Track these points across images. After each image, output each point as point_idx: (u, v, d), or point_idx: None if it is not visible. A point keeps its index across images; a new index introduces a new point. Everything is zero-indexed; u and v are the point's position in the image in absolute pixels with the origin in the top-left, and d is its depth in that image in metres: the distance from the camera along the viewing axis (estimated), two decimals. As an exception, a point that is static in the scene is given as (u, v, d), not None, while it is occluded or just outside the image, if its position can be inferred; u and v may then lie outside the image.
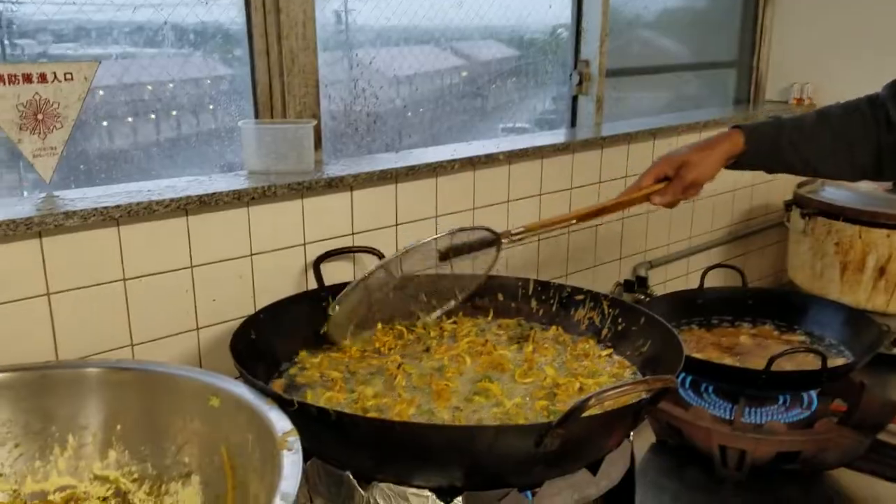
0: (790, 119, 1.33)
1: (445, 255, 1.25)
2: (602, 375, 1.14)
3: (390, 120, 1.71)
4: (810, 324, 1.64)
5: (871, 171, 1.26)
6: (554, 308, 1.34)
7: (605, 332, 1.28)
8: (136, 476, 1.01)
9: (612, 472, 1.03)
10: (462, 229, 1.25)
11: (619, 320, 1.26)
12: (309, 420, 0.90)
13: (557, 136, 1.87)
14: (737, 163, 1.31)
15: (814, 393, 1.48)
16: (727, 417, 1.42)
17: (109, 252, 1.17)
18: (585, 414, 0.84)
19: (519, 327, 1.31)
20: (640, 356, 1.19)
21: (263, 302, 1.33)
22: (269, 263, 1.35)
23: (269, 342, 1.19)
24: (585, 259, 1.90)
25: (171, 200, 1.19)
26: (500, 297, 1.37)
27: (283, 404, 0.91)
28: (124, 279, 1.19)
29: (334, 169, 1.44)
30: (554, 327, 1.31)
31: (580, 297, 1.32)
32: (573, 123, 2.07)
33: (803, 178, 2.25)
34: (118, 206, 1.14)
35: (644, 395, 0.90)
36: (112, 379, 1.02)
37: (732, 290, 1.74)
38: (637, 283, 1.91)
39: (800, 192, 2.04)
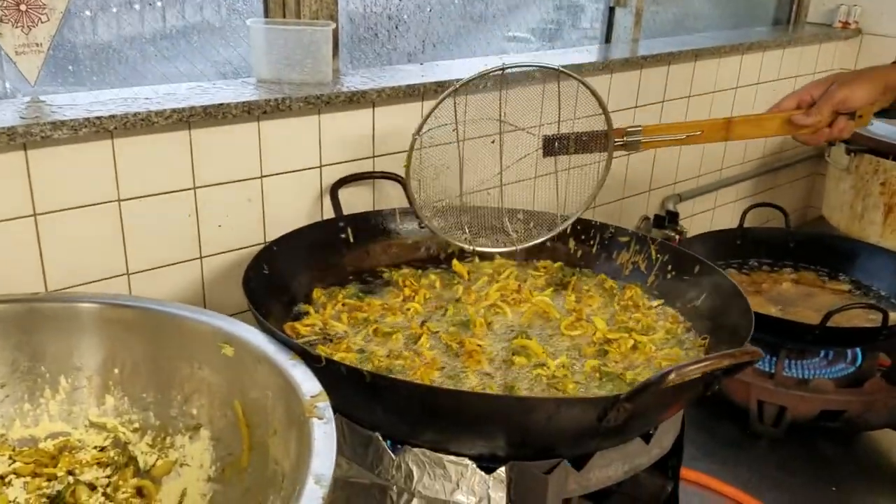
0: None
1: (551, 146, 1.13)
2: (657, 331, 1.03)
3: (413, 26, 1.54)
4: (857, 272, 1.53)
5: None
6: (594, 250, 1.22)
7: (651, 279, 1.16)
8: (136, 425, 0.90)
9: (663, 439, 0.94)
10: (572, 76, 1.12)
11: (669, 268, 1.14)
12: (337, 378, 0.79)
13: (592, 54, 1.70)
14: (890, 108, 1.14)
15: (859, 348, 1.39)
16: (767, 370, 1.33)
17: (103, 169, 1.03)
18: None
19: (560, 272, 1.19)
20: (695, 310, 1.08)
21: (274, 230, 1.20)
22: (282, 187, 1.21)
23: (286, 277, 1.07)
24: (614, 190, 1.77)
25: (173, 111, 1.04)
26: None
27: (309, 360, 0.79)
28: (119, 200, 1.05)
29: (354, 81, 1.29)
30: (602, 275, 1.18)
31: (625, 238, 1.19)
32: (608, 39, 1.90)
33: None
34: (113, 117, 0.99)
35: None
36: (110, 316, 0.90)
37: (774, 232, 1.62)
38: (668, 219, 1.79)
39: (845, 126, 1.89)
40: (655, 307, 1.10)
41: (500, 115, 1.17)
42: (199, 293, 1.17)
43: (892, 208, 1.76)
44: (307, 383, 0.75)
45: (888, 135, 1.79)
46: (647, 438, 0.89)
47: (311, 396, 0.73)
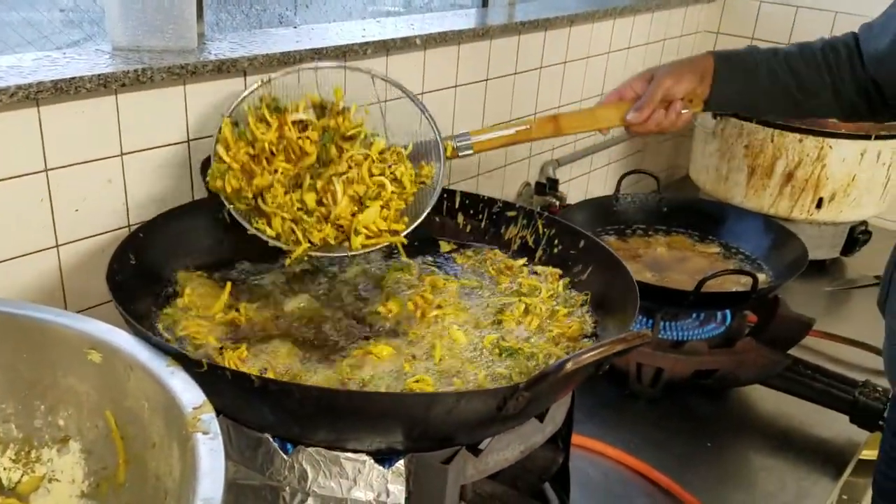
0: (767, 49, 1.16)
1: None
2: (541, 291, 1.04)
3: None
4: (725, 234, 1.61)
5: (863, 109, 1.12)
6: (483, 224, 1.21)
7: (539, 253, 1.16)
8: (-4, 440, 0.81)
9: (556, 415, 0.95)
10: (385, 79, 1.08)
11: (556, 241, 1.15)
12: (222, 385, 0.74)
13: (470, 19, 1.67)
14: (711, 94, 1.14)
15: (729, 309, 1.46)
16: (645, 334, 1.37)
17: (-66, 153, 0.90)
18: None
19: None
20: (581, 283, 1.09)
21: (139, 213, 1.11)
22: (145, 164, 1.11)
23: (156, 267, 0.99)
24: (497, 158, 1.77)
25: (18, 88, 0.92)
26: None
27: (189, 365, 0.73)
28: (-43, 187, 0.93)
29: (222, 47, 1.19)
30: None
31: (512, 213, 1.19)
32: (484, 3, 1.87)
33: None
34: (-56, 95, 0.87)
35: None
36: (-46, 322, 0.80)
37: (647, 198, 1.67)
38: (548, 185, 1.81)
39: (710, 91, 1.97)
40: (520, 265, 1.12)
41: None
42: (57, 285, 1.06)
43: (754, 170, 1.85)
44: (188, 393, 0.70)
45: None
46: (541, 417, 0.90)
47: (194, 408, 0.68)
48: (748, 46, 1.18)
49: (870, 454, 1.60)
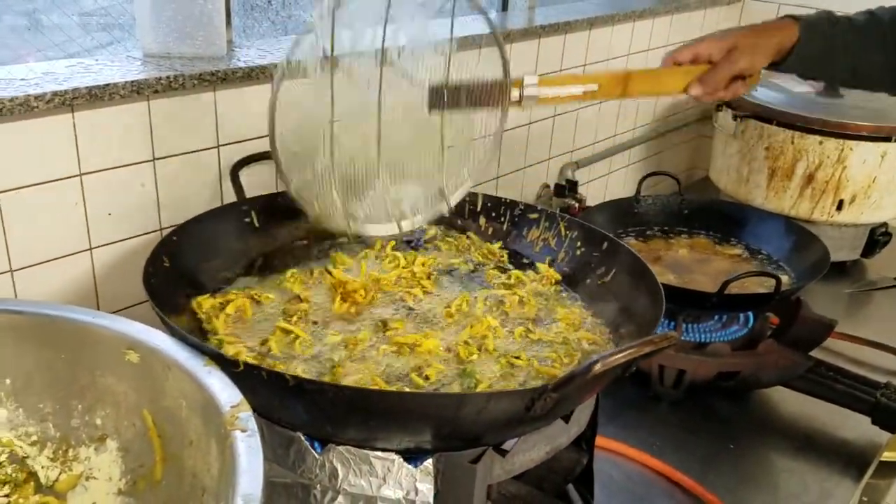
0: (843, 17, 1.16)
1: (438, 98, 0.96)
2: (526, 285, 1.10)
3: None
4: (747, 236, 1.61)
5: None
6: (505, 227, 1.22)
7: (561, 255, 1.18)
8: (35, 438, 0.83)
9: (581, 417, 0.96)
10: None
11: (578, 244, 1.16)
12: (256, 383, 0.75)
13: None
14: (783, 60, 1.13)
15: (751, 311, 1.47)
16: (668, 336, 1.38)
17: (-24, 159, 0.93)
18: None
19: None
20: (605, 286, 1.10)
21: (170, 215, 1.13)
22: (177, 169, 1.14)
23: (188, 269, 1.01)
24: (515, 159, 1.78)
25: (54, 94, 0.95)
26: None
27: (225, 365, 0.75)
28: (-4, 191, 0.96)
29: (251, 54, 1.22)
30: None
31: (534, 215, 1.20)
32: (504, 7, 1.88)
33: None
34: (-15, 102, 0.90)
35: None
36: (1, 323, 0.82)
37: (668, 200, 1.68)
38: (567, 187, 1.82)
39: (730, 93, 1.97)
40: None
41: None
42: (90, 287, 1.09)
43: (775, 172, 1.85)
44: (226, 392, 0.72)
45: (772, 101, 1.88)
46: (566, 418, 0.91)
47: (232, 406, 0.70)
48: (827, 13, 1.16)
49: (891, 455, 1.60)
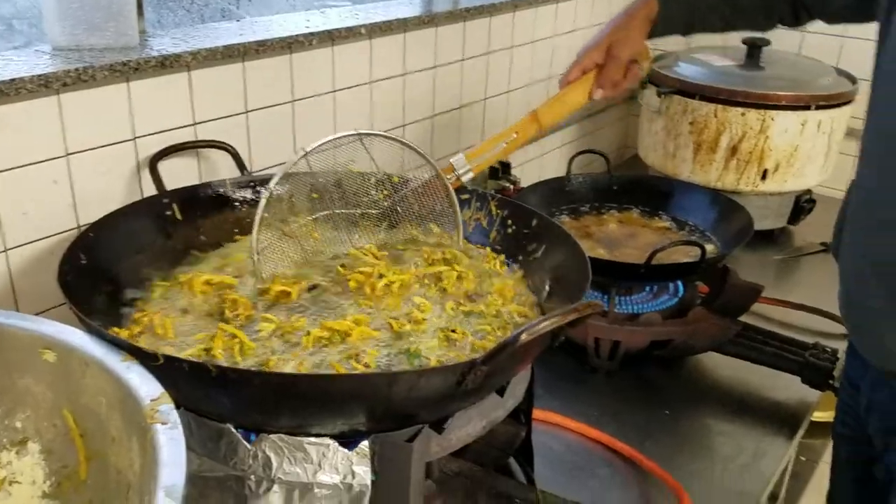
0: None
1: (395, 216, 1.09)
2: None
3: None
4: (674, 209, 1.64)
5: (788, 17, 1.21)
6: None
7: (493, 234, 1.18)
8: (-50, 447, 0.80)
9: (516, 390, 0.96)
10: (379, 135, 1.05)
11: (510, 222, 1.16)
12: (180, 377, 0.74)
13: (415, 7, 1.68)
14: (653, 29, 1.19)
15: (680, 280, 1.50)
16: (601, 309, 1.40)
17: None
18: (508, 346, 0.75)
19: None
20: (536, 262, 1.11)
21: (89, 213, 1.09)
22: (92, 165, 1.10)
23: (107, 265, 0.98)
24: (448, 144, 1.78)
25: (-46, 90, 0.91)
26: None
27: (145, 359, 0.73)
28: None
29: (165, 43, 1.18)
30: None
31: (465, 196, 1.20)
32: (429, -10, 1.87)
33: (655, 53, 2.24)
34: None
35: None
36: None
37: (598, 177, 1.70)
38: (501, 170, 1.82)
39: (654, 68, 2.01)
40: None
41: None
42: (7, 289, 1.05)
43: (700, 145, 1.89)
44: (145, 385, 0.70)
45: (694, 75, 1.92)
46: (501, 392, 0.92)
47: (152, 400, 0.68)
48: None
49: (823, 416, 1.66)
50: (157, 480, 0.59)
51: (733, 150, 1.86)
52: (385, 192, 1.11)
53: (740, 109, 1.82)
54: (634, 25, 1.17)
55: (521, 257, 1.13)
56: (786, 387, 1.38)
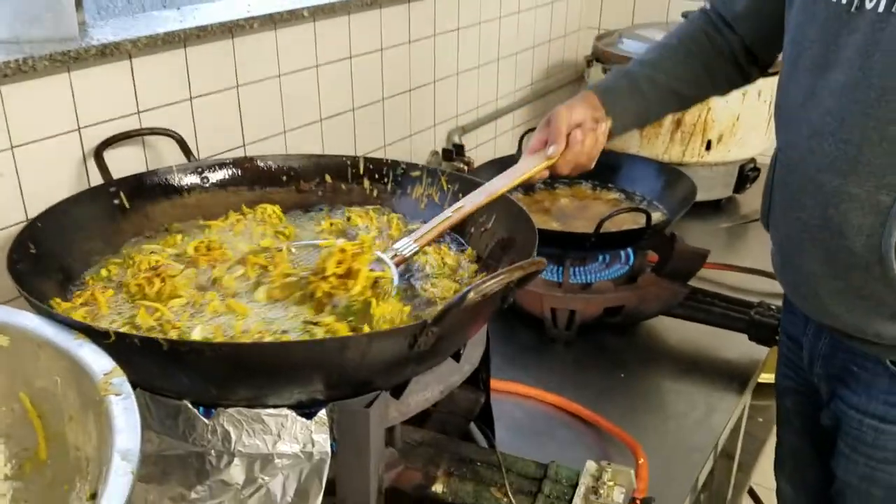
0: (635, 63, 1.21)
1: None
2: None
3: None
4: (622, 181, 1.68)
5: (737, 79, 1.20)
6: (389, 188, 1.23)
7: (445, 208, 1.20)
8: None
9: (472, 355, 0.99)
10: None
11: (460, 196, 1.18)
12: (132, 353, 0.74)
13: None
14: (610, 133, 1.17)
15: (630, 249, 1.54)
16: (556, 280, 1.43)
17: None
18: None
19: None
20: (487, 232, 1.13)
21: (37, 204, 1.09)
22: (37, 156, 1.10)
23: (57, 254, 0.97)
24: (401, 127, 1.79)
25: None
26: (329, 178, 1.22)
27: (96, 336, 0.74)
28: None
29: (104, 33, 1.18)
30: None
31: (416, 173, 1.22)
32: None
33: (600, 31, 2.28)
34: None
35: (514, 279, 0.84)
36: None
37: (548, 152, 1.72)
38: (455, 151, 1.85)
39: (599, 46, 2.05)
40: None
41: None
42: (-44, 286, 1.04)
43: (646, 120, 1.94)
44: (98, 362, 0.70)
45: (638, 52, 1.95)
46: (457, 357, 0.94)
47: (105, 374, 0.69)
48: (616, 70, 1.21)
49: (769, 377, 1.71)
50: (112, 447, 0.60)
51: (678, 123, 1.91)
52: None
53: (682, 83, 1.86)
54: (575, 103, 1.14)
55: (472, 230, 1.15)
56: (735, 346, 1.43)
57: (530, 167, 1.12)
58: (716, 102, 1.87)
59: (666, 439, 1.21)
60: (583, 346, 1.44)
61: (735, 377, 1.37)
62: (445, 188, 1.20)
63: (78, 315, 0.89)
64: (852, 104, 0.90)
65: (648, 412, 1.28)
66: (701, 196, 1.97)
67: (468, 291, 0.75)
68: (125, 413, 0.63)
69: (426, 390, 0.90)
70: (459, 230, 1.14)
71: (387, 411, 0.86)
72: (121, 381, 0.67)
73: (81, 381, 0.71)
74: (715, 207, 2.04)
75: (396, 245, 1.01)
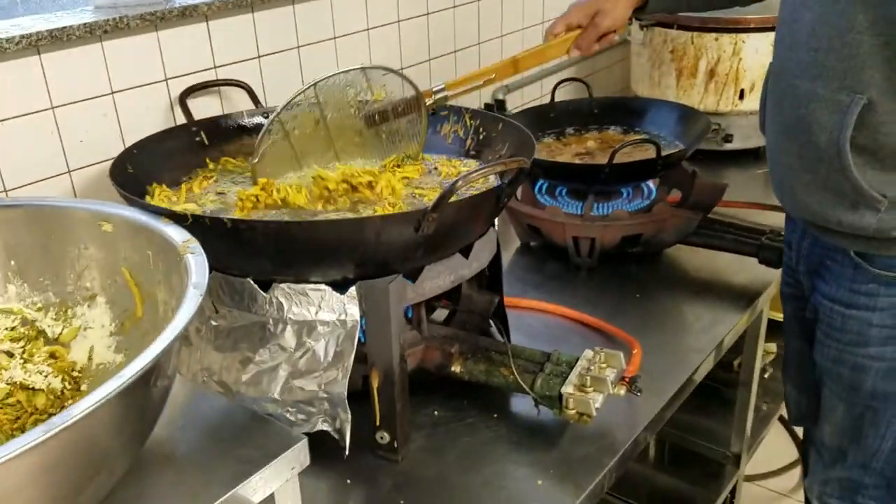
0: None
1: (372, 120, 1.27)
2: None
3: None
4: (648, 124, 1.81)
5: None
6: (424, 127, 1.43)
7: (468, 142, 1.38)
8: (39, 305, 1.04)
9: (481, 256, 1.17)
10: (374, 67, 1.25)
11: (480, 130, 1.37)
12: (205, 233, 0.96)
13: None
14: (645, 5, 1.36)
15: (653, 184, 1.68)
16: (578, 213, 1.59)
17: (-38, 96, 1.13)
18: (455, 199, 0.96)
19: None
20: (500, 157, 1.31)
21: (134, 140, 1.33)
22: (133, 101, 1.34)
23: (148, 176, 1.21)
24: (446, 85, 1.97)
25: (22, 37, 1.15)
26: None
27: (177, 220, 0.96)
28: (-17, 124, 1.16)
29: (188, -2, 1.42)
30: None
31: (444, 112, 1.40)
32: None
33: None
34: (-36, 46, 1.10)
35: (504, 180, 1.02)
36: (1, 217, 1.03)
37: (580, 102, 1.88)
38: (496, 106, 2.02)
39: (638, 7, 2.17)
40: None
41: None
42: (73, 205, 1.30)
43: (682, 72, 2.06)
44: (179, 235, 0.92)
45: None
46: (466, 254, 1.13)
47: (184, 242, 0.91)
48: None
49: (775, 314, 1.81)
50: (187, 281, 0.82)
51: (711, 74, 2.02)
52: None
53: (714, 35, 1.98)
54: (622, 1, 1.33)
55: (490, 157, 1.34)
56: (747, 271, 1.55)
57: (556, 55, 1.37)
58: (746, 53, 1.98)
59: (668, 342, 1.36)
60: (605, 274, 1.59)
61: (744, 295, 1.50)
62: (468, 124, 1.38)
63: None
64: (821, 16, 1.04)
65: (656, 324, 1.43)
66: (738, 144, 2.10)
67: (457, 181, 0.94)
68: (196, 261, 0.85)
69: (438, 278, 1.09)
70: (477, 155, 1.33)
71: (404, 291, 1.06)
72: (195, 245, 0.89)
73: (168, 252, 0.93)
74: (754, 156, 2.14)
75: (433, 85, 1.27)
